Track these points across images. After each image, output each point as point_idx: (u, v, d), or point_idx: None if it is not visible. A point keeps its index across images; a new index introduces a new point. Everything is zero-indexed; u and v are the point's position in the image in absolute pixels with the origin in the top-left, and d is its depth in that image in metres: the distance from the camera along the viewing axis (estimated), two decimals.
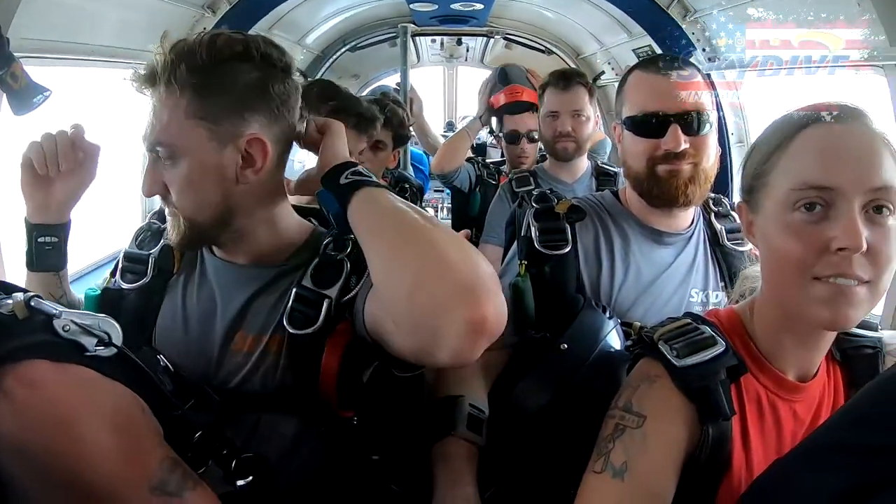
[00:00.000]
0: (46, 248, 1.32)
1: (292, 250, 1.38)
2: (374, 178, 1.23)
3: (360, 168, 1.24)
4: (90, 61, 2.53)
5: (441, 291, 1.03)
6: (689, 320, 1.19)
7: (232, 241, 1.33)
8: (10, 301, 0.95)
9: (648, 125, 1.62)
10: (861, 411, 0.77)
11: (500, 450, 1.48)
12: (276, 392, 1.30)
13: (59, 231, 1.36)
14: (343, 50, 5.20)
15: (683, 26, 3.17)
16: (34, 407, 0.90)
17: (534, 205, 1.74)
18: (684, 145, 1.58)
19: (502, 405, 1.52)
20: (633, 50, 4.04)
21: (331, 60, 5.12)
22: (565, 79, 2.79)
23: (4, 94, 1.89)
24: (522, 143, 3.19)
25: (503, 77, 3.51)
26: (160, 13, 2.86)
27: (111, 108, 3.03)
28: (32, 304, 0.95)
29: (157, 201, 1.35)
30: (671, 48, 3.26)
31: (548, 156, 2.86)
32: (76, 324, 1.00)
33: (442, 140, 3.96)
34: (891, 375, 0.73)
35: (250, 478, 1.16)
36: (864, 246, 0.98)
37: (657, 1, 3.20)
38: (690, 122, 1.59)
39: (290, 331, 1.25)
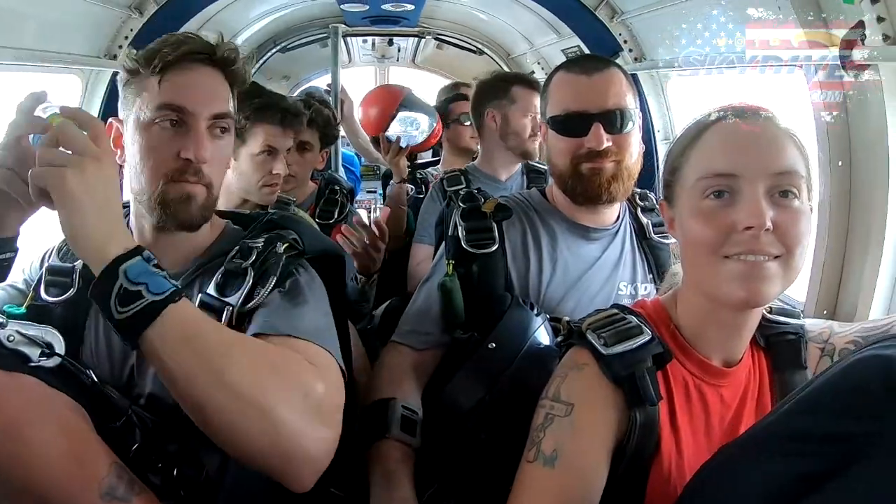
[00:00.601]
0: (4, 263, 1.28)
1: (201, 251, 1.40)
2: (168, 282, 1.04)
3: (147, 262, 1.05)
4: (13, 65, 2.42)
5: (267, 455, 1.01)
6: (616, 311, 1.24)
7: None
8: None
9: (571, 124, 1.67)
10: (820, 400, 0.79)
11: (437, 449, 1.50)
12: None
13: (12, 244, 1.31)
14: (274, 51, 5.14)
15: (611, 27, 3.22)
16: None
17: (461, 204, 1.76)
18: (607, 143, 1.63)
19: (435, 405, 1.54)
20: (563, 50, 4.12)
21: (261, 62, 5.05)
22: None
23: None
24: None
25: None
26: (86, 15, 2.78)
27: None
28: None
29: None
30: (598, 48, 3.32)
31: (505, 152, 2.79)
32: (21, 334, 1.03)
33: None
34: (849, 365, 0.76)
35: (187, 489, 1.19)
36: (768, 224, 1.06)
37: (585, 3, 3.24)
38: (613, 120, 1.64)
39: None
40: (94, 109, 3.00)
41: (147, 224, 1.35)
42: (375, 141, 3.51)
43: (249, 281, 1.26)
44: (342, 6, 4.38)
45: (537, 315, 1.59)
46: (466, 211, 1.73)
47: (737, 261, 1.08)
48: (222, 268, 1.29)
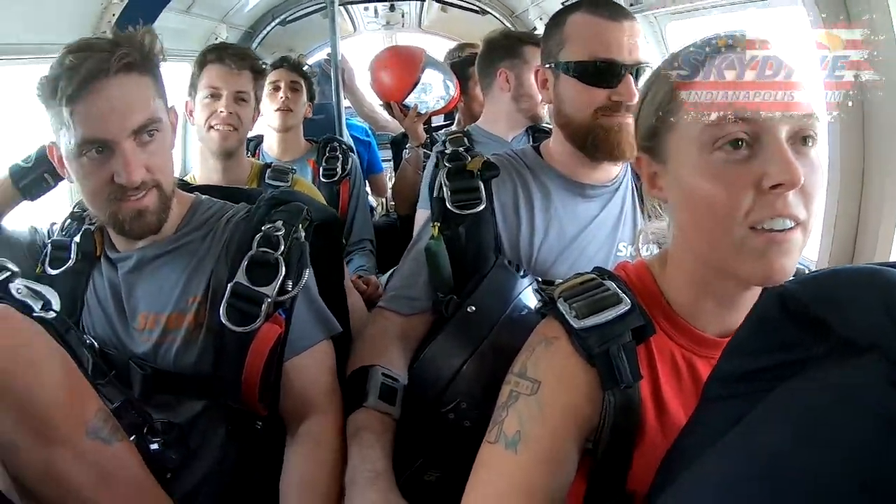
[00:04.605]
0: None
1: (178, 223, 1.51)
2: None
3: None
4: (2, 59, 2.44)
5: None
6: (594, 276, 1.13)
7: None
8: None
9: (600, 73, 1.55)
10: (736, 342, 0.76)
11: (420, 420, 1.47)
12: (192, 377, 1.42)
13: None
14: (273, 24, 5.07)
15: None
16: (3, 334, 1.09)
17: (446, 164, 1.68)
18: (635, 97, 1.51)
19: (413, 375, 1.52)
20: (562, 2, 3.99)
21: (261, 36, 5.00)
22: None
23: None
24: None
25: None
26: (66, 2, 2.76)
27: (22, 104, 2.96)
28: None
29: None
30: None
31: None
32: (28, 287, 1.18)
33: (380, 109, 3.88)
34: (753, 306, 0.73)
35: (161, 440, 1.31)
36: (802, 179, 0.92)
37: None
38: (640, 73, 1.55)
39: (231, 327, 1.35)
40: None
41: (114, 231, 1.48)
42: (388, 106, 3.47)
43: (282, 272, 1.38)
44: None
45: (523, 277, 1.53)
46: (452, 171, 1.65)
47: (761, 232, 0.94)
48: (249, 256, 1.39)
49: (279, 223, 1.42)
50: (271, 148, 3.13)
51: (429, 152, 3.11)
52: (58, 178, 1.68)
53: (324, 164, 3.02)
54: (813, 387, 0.59)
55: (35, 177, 1.67)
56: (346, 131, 3.83)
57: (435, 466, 1.48)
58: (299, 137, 3.15)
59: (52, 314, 1.20)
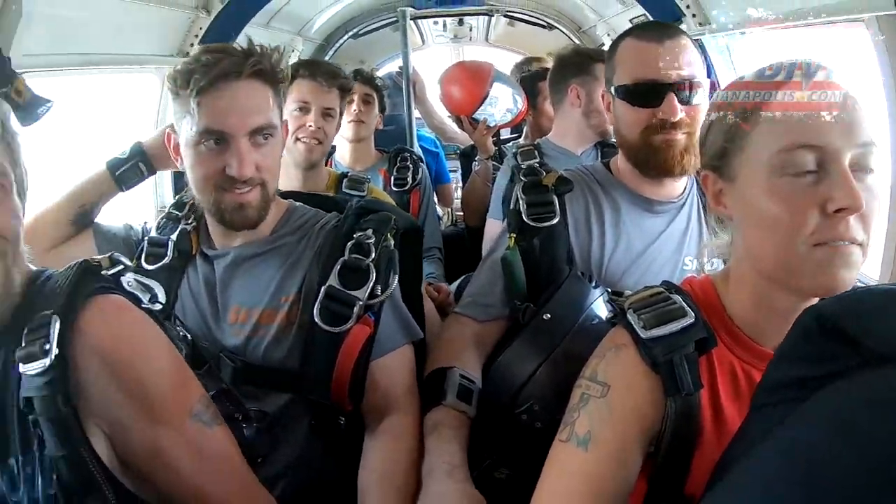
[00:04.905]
0: None
1: (274, 225, 1.60)
2: None
3: None
4: (96, 68, 2.62)
5: None
6: (661, 289, 1.19)
7: None
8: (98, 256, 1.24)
9: (643, 93, 1.63)
10: (782, 351, 0.79)
11: (493, 421, 1.52)
12: (279, 371, 1.50)
13: None
14: (346, 37, 5.25)
15: None
16: (120, 322, 1.15)
17: (522, 178, 1.75)
18: (680, 114, 1.59)
19: (489, 378, 1.57)
20: (630, 20, 4.00)
21: (334, 48, 5.17)
22: None
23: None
24: None
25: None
26: (157, 17, 2.93)
27: (115, 111, 3.15)
28: (114, 257, 1.25)
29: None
30: (661, 14, 3.23)
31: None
32: (137, 280, 1.24)
33: (449, 120, 3.98)
34: (801, 318, 0.76)
35: (255, 427, 1.38)
36: (864, 205, 0.97)
37: None
38: (685, 90, 1.60)
39: (323, 326, 1.43)
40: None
41: (213, 220, 1.58)
42: (457, 119, 3.53)
43: (372, 278, 1.47)
44: None
45: (595, 287, 1.59)
46: (528, 185, 1.73)
47: (824, 247, 0.99)
48: (341, 261, 1.48)
49: (369, 231, 1.50)
50: (343, 157, 3.23)
51: (497, 164, 3.17)
52: (151, 169, 1.82)
53: (395, 173, 3.09)
54: (846, 392, 0.62)
55: (130, 166, 1.79)
56: (416, 142, 3.92)
57: (505, 465, 1.54)
58: (371, 148, 3.23)
59: (157, 306, 1.28)
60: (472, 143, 3.50)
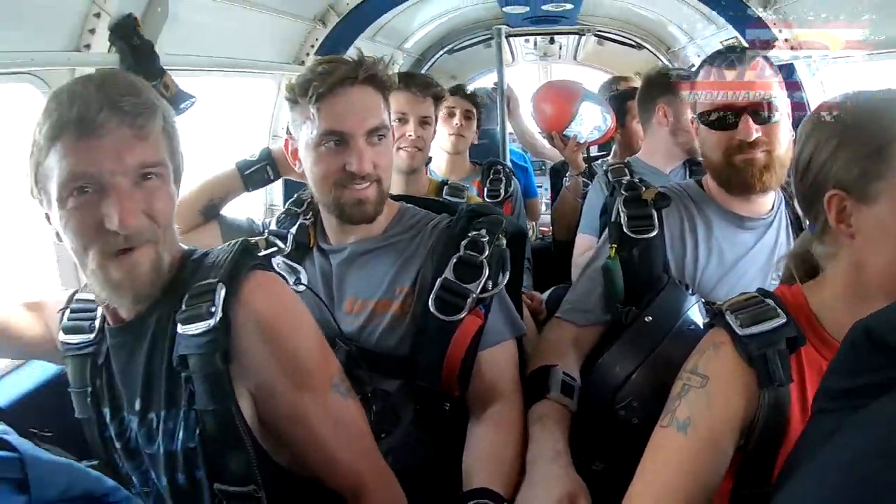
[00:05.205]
0: None
1: (386, 224, 1.70)
2: None
3: None
4: (221, 71, 2.87)
5: None
6: (756, 294, 1.27)
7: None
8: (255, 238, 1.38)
9: (721, 118, 1.73)
10: (834, 363, 0.84)
11: (590, 418, 1.61)
12: (391, 357, 1.59)
13: None
14: (441, 53, 5.47)
15: (764, 16, 3.22)
16: (276, 295, 1.26)
17: (623, 192, 1.84)
18: (756, 134, 1.67)
19: (591, 376, 1.66)
20: (721, 42, 4.02)
21: (430, 63, 5.39)
22: None
23: None
24: None
25: None
26: (278, 27, 3.21)
27: (241, 110, 3.44)
28: (269, 240, 1.41)
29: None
30: (753, 38, 3.31)
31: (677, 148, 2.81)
32: (285, 263, 1.42)
33: (539, 136, 4.08)
34: (852, 331, 0.80)
35: (380, 405, 1.52)
36: None
37: None
38: (761, 111, 1.68)
39: (438, 315, 1.52)
40: (286, 108, 3.39)
41: (331, 218, 1.67)
42: (548, 135, 3.60)
43: (485, 273, 1.54)
44: (504, 8, 4.58)
45: (692, 295, 1.67)
46: (628, 199, 1.81)
47: None
48: (457, 256, 1.56)
49: (483, 231, 1.58)
50: (440, 167, 3.29)
51: (587, 181, 3.23)
52: (276, 174, 2.00)
53: (488, 185, 3.16)
54: (893, 403, 0.67)
55: (258, 168, 1.98)
56: (508, 156, 4.00)
57: (601, 458, 1.62)
58: (466, 159, 3.31)
59: (301, 288, 1.43)
60: (562, 159, 3.59)
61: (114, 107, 1.12)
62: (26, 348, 1.53)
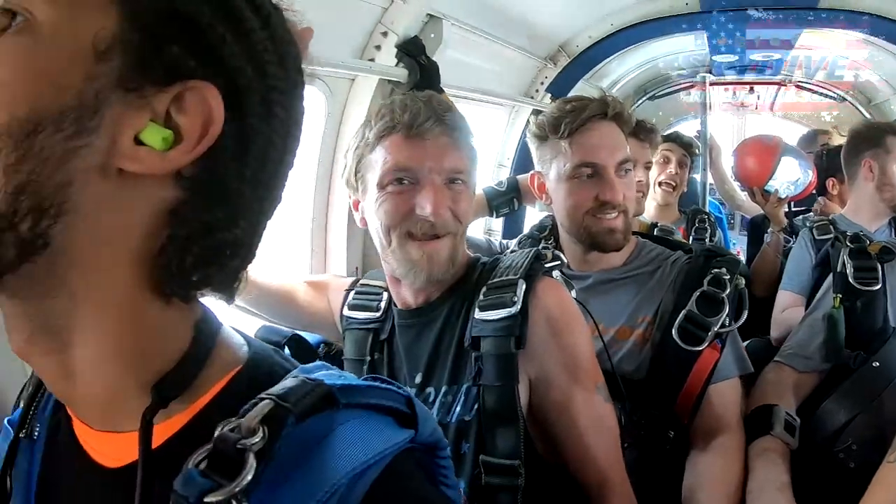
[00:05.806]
0: None
1: (627, 255, 1.79)
2: None
3: None
4: (465, 99, 3.19)
5: None
6: None
7: None
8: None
9: None
10: None
11: (809, 459, 1.66)
12: (626, 380, 1.59)
13: None
14: (644, 99, 5.68)
15: None
16: (563, 296, 1.36)
17: (848, 244, 1.88)
18: None
19: (810, 421, 1.72)
20: None
21: (633, 107, 5.52)
22: None
23: None
24: None
25: None
26: (514, 63, 3.58)
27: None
28: (555, 253, 1.48)
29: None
30: None
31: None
32: (562, 274, 1.49)
33: (738, 189, 4.04)
34: None
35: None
36: None
37: None
38: None
39: (681, 345, 1.56)
40: (515, 137, 3.81)
41: (577, 246, 1.76)
42: (750, 190, 3.52)
43: (726, 309, 1.57)
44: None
45: None
46: (854, 251, 1.85)
47: None
48: (699, 291, 1.59)
49: (724, 269, 1.61)
50: (648, 211, 3.25)
51: (788, 237, 3.16)
52: (520, 203, 2.16)
53: (694, 233, 3.16)
54: None
55: (505, 199, 2.15)
56: (708, 205, 4.08)
57: (813, 502, 1.61)
58: (674, 207, 3.36)
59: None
60: (761, 213, 3.48)
61: (438, 119, 1.30)
62: (307, 318, 1.67)
